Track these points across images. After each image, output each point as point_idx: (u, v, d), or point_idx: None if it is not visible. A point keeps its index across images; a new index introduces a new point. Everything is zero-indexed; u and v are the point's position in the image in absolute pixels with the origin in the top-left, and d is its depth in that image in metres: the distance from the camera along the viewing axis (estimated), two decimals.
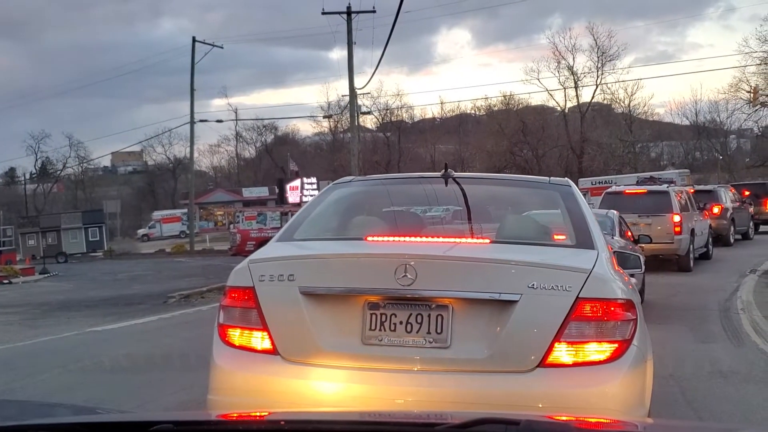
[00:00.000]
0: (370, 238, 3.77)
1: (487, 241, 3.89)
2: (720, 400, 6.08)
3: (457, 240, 3.81)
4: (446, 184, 4.44)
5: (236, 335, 3.54)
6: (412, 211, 5.15)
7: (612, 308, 3.29)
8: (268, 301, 3.46)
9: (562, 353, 3.25)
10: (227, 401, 3.44)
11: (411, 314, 3.34)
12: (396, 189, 5.10)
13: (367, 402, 3.23)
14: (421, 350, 3.31)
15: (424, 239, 3.82)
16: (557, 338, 3.23)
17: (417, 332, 3.32)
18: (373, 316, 3.36)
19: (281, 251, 3.86)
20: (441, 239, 3.83)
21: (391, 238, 3.84)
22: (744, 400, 6.06)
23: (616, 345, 3.26)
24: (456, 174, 4.57)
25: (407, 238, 3.76)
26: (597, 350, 3.26)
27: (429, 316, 3.33)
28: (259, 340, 3.47)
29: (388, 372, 3.30)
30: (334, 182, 4.97)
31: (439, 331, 3.31)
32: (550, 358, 3.24)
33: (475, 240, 3.94)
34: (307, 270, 3.51)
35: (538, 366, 3.24)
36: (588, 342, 3.25)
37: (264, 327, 3.45)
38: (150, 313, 13.76)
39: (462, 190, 4.52)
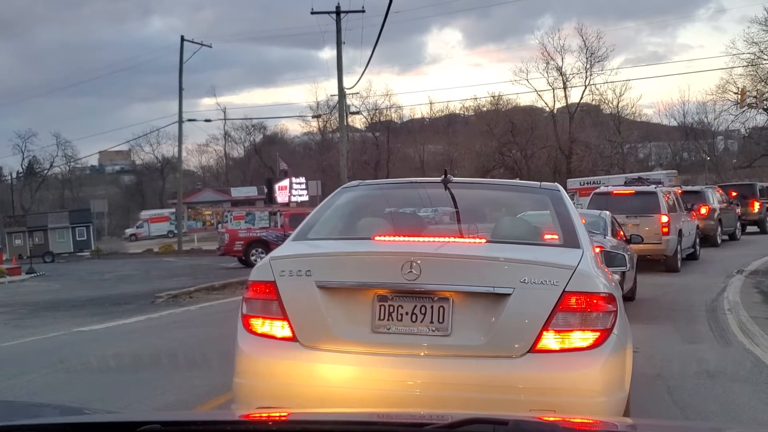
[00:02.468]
0: (377, 238, 4.09)
1: (483, 240, 4.19)
2: (706, 399, 6.11)
3: (457, 239, 4.19)
4: (446, 188, 4.82)
5: (259, 324, 3.90)
6: (415, 213, 5.51)
7: (595, 301, 3.64)
8: (288, 294, 3.82)
9: (550, 340, 3.59)
10: (251, 384, 3.84)
11: (416, 306, 3.69)
12: (399, 193, 5.59)
13: (376, 384, 3.58)
14: (425, 338, 3.66)
15: (426, 239, 4.14)
16: (546, 327, 3.58)
17: (421, 322, 3.68)
18: (382, 308, 3.72)
19: (299, 249, 4.22)
20: (442, 239, 4.13)
21: (397, 238, 4.13)
22: (730, 400, 6.09)
23: (598, 333, 3.61)
24: (455, 179, 4.96)
25: (411, 238, 4.09)
26: (581, 338, 3.61)
27: (432, 307, 3.68)
28: (280, 329, 3.83)
29: (395, 357, 3.65)
30: (343, 186, 5.33)
31: (441, 320, 3.66)
32: (539, 345, 3.59)
33: (472, 240, 4.24)
34: (323, 266, 3.87)
35: (528, 351, 3.58)
36: (573, 330, 3.60)
37: (284, 317, 3.81)
38: (137, 313, 13.69)
39: (460, 194, 4.95)
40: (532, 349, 3.58)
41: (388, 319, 3.70)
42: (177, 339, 10.09)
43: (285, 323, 3.80)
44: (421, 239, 4.11)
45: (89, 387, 7.29)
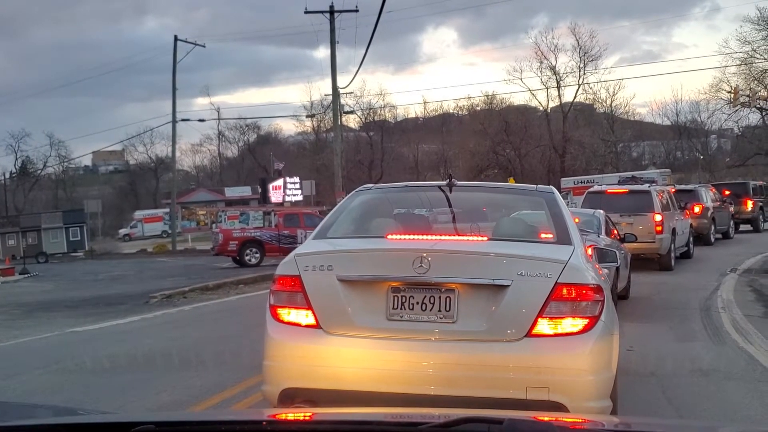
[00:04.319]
0: (390, 236, 4.52)
1: (485, 238, 4.62)
2: (700, 398, 6.13)
3: (461, 237, 4.67)
4: (450, 191, 5.32)
5: (285, 313, 4.34)
6: (423, 214, 5.88)
7: (584, 291, 4.07)
8: (312, 286, 4.26)
9: (544, 326, 4.03)
10: (280, 366, 4.28)
11: (425, 296, 4.13)
12: (408, 195, 6.13)
13: (392, 365, 4.02)
14: (434, 324, 4.11)
15: (434, 237, 4.56)
16: (540, 314, 4.02)
17: (430, 310, 4.12)
18: (396, 298, 4.16)
19: (320, 247, 4.66)
20: (448, 237, 4.64)
21: (407, 236, 4.51)
22: (724, 398, 6.12)
23: (587, 320, 4.04)
24: (459, 183, 5.46)
25: (421, 236, 4.48)
26: (572, 324, 4.04)
27: (440, 297, 4.12)
28: (305, 317, 4.27)
29: (408, 341, 4.10)
30: (357, 190, 5.74)
31: (447, 309, 4.11)
32: (535, 330, 4.02)
33: (475, 237, 4.68)
34: (343, 262, 4.32)
35: (525, 336, 4.02)
36: (564, 317, 4.04)
37: (309, 306, 4.26)
38: (131, 313, 13.64)
39: (464, 196, 5.55)
40: (529, 334, 4.01)
41: (401, 308, 4.14)
42: (171, 339, 10.08)
43: (309, 312, 4.24)
44: (430, 237, 4.50)
45: (83, 387, 7.27)
